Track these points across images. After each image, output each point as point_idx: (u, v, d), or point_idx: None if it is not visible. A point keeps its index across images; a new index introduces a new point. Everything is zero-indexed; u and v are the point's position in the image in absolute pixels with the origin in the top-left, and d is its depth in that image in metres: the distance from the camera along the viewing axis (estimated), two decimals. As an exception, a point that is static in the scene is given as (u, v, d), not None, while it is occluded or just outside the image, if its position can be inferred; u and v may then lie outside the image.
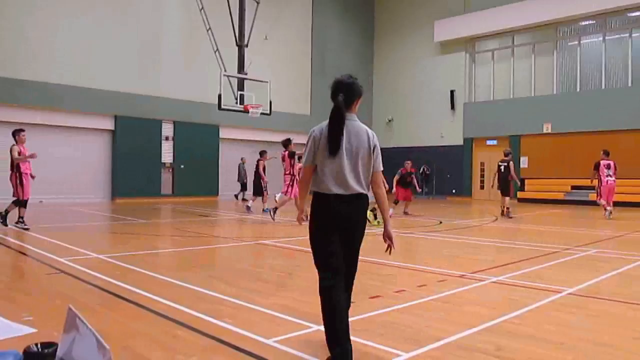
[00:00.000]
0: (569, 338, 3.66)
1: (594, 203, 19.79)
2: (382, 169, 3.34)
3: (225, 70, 18.90)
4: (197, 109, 21.25)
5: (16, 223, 9.81)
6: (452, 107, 25.42)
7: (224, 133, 22.15)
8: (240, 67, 19.38)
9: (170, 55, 20.79)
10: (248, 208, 14.94)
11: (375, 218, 11.72)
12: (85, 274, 5.77)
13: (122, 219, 12.87)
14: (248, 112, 18.65)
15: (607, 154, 14.77)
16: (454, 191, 25.30)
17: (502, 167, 14.85)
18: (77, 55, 18.31)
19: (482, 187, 25.05)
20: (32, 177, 10.31)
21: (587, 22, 22.28)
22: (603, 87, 21.71)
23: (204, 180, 21.73)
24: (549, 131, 22.37)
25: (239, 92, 18.87)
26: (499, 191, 15.05)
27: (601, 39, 21.90)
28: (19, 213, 9.87)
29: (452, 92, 25.31)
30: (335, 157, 3.19)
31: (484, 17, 24.00)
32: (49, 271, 5.97)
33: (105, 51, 18.96)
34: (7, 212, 9.98)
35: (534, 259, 7.15)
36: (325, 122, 3.33)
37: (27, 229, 9.63)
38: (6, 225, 9.83)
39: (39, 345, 2.42)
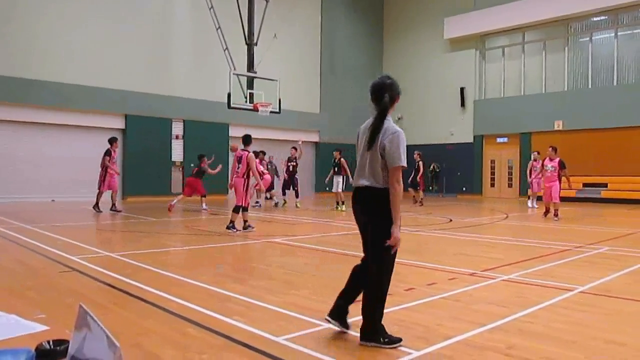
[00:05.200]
0: (580, 336, 3.63)
1: (606, 200, 19.72)
2: (397, 165, 3.37)
3: (234, 69, 18.94)
4: (207, 108, 21.32)
5: (243, 228, 9.72)
6: (462, 104, 25.30)
7: (233, 131, 22.18)
8: (250, 65, 19.41)
9: (180, 54, 20.88)
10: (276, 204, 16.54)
11: (340, 204, 15.44)
12: (97, 272, 5.81)
13: (132, 217, 12.95)
14: (257, 110, 18.67)
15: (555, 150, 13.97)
16: (464, 189, 25.19)
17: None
18: (88, 55, 18.45)
19: (492, 185, 24.94)
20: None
21: (598, 18, 22.07)
22: (615, 83, 21.49)
23: (214, 179, 21.82)
24: (560, 128, 22.20)
25: (249, 91, 18.89)
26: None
27: (613, 34, 21.67)
28: (232, 218, 9.68)
29: (462, 89, 25.19)
30: (364, 154, 3.54)
31: (494, 13, 23.84)
32: (62, 269, 6.02)
33: (116, 51, 19.08)
34: (232, 221, 9.75)
35: (545, 257, 7.10)
36: (368, 121, 3.61)
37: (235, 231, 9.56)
38: (236, 230, 9.62)
39: (51, 343, 2.44)
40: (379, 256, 3.47)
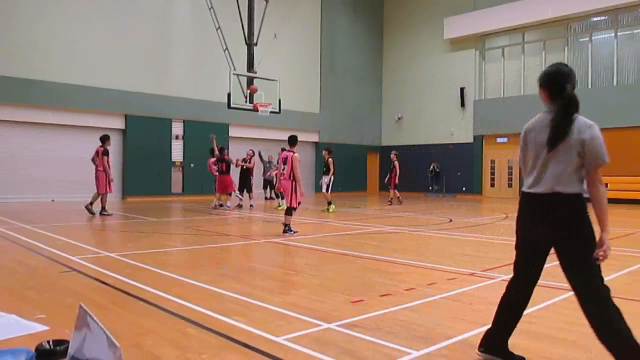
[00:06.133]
0: (581, 336, 3.63)
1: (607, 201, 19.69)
2: (601, 162, 2.88)
3: (234, 69, 18.93)
4: (207, 108, 21.33)
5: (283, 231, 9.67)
6: (462, 104, 25.29)
7: (233, 132, 22.19)
8: (250, 65, 19.40)
9: (179, 54, 20.89)
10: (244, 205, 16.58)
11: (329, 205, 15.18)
12: (97, 272, 5.81)
13: (133, 217, 12.95)
14: (257, 110, 18.67)
15: None
16: (464, 189, 25.18)
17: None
18: (88, 55, 18.45)
19: (492, 185, 24.94)
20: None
21: (598, 18, 22.05)
22: (615, 83, 21.49)
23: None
24: (560, 128, 22.16)
25: (249, 91, 18.89)
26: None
27: (613, 35, 21.67)
28: (286, 221, 9.64)
29: (462, 89, 25.18)
30: (541, 154, 3.03)
31: (494, 13, 23.84)
32: (62, 269, 6.02)
33: (116, 51, 19.08)
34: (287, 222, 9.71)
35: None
36: (538, 115, 3.18)
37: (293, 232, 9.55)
38: (293, 232, 9.55)
39: (51, 343, 2.44)
40: (591, 276, 3.08)
